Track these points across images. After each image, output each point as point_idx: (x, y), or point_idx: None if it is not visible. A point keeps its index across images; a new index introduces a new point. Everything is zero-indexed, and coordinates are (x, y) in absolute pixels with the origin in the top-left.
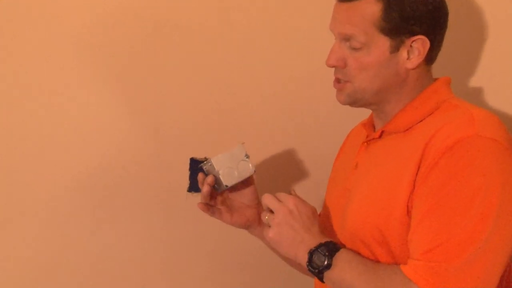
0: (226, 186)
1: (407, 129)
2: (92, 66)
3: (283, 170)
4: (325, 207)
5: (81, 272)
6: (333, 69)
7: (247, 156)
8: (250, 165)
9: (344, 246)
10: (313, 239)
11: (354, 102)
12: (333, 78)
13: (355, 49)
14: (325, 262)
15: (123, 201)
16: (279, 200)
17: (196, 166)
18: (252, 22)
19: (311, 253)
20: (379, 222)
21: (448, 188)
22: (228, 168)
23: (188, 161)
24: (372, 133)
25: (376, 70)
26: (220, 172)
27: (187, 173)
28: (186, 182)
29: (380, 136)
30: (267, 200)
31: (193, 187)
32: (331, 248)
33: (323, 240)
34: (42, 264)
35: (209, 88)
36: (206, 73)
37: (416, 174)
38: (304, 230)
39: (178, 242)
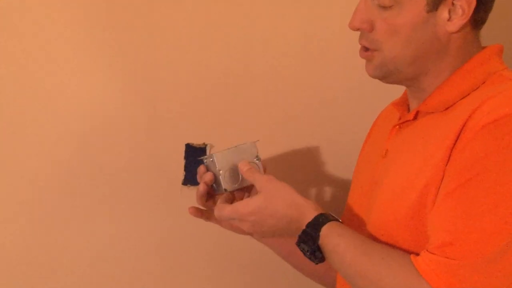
0: (225, 190)
1: (447, 108)
2: (86, 49)
3: (298, 169)
4: (348, 207)
5: (81, 272)
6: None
7: (258, 159)
8: (261, 169)
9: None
10: (291, 232)
11: (385, 75)
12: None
13: (384, 7)
14: (315, 259)
15: (121, 198)
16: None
17: (193, 154)
18: (261, 10)
19: (300, 250)
20: (409, 220)
21: (479, 168)
22: (231, 169)
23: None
24: (406, 114)
25: (409, 34)
26: (221, 172)
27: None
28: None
29: (414, 118)
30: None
31: (189, 179)
32: (311, 239)
33: (299, 230)
34: (41, 264)
35: (213, 67)
36: (211, 52)
37: (450, 155)
38: (275, 227)
39: (178, 241)
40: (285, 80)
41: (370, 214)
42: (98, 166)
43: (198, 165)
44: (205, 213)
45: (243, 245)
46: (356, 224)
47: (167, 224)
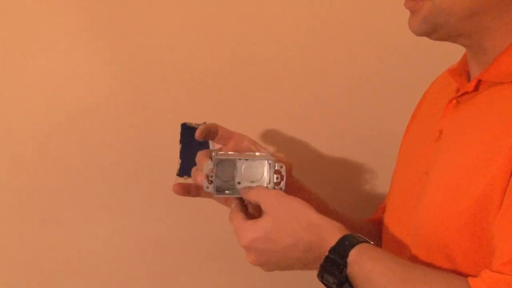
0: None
1: None
2: (79, 42)
3: (309, 172)
4: (389, 205)
5: (80, 273)
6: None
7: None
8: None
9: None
10: (310, 262)
11: (434, 30)
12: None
13: None
14: None
15: (118, 196)
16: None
17: (191, 136)
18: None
19: (324, 283)
20: (466, 228)
21: None
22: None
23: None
24: (466, 83)
25: None
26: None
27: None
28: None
29: (475, 89)
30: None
31: (186, 169)
32: (336, 268)
33: (320, 259)
34: (39, 264)
35: (211, 62)
36: (208, 47)
37: None
38: (288, 257)
39: (176, 240)
40: (289, 76)
41: (417, 220)
42: (95, 162)
43: (197, 151)
44: (193, 189)
45: None
46: (401, 229)
47: (173, 224)
